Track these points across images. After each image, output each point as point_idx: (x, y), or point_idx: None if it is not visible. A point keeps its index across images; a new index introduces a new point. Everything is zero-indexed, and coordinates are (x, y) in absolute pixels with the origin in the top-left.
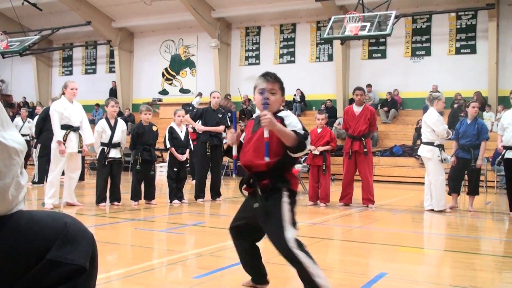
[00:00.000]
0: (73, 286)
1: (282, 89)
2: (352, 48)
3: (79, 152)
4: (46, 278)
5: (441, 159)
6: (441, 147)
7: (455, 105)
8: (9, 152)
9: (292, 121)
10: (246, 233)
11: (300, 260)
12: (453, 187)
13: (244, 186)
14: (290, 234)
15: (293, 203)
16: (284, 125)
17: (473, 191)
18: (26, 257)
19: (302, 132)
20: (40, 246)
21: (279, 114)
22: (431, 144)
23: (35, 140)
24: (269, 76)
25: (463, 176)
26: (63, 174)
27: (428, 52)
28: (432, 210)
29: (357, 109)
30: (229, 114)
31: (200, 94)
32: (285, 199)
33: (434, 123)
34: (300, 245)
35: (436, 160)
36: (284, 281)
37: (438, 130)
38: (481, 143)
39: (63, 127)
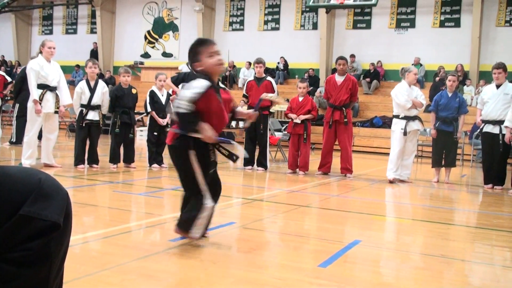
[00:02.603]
0: (46, 242)
1: None
2: (337, 17)
3: (56, 112)
4: (18, 233)
5: (404, 131)
6: (408, 119)
7: (437, 78)
8: None
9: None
10: None
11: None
12: (437, 161)
13: None
14: None
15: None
16: None
17: (450, 163)
18: None
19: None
20: (13, 201)
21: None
22: (397, 117)
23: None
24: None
25: (444, 149)
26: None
27: (412, 24)
28: (402, 181)
29: (339, 79)
30: None
31: (187, 64)
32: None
33: (396, 94)
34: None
35: (397, 132)
36: (261, 245)
37: (398, 101)
38: (460, 116)
39: (40, 86)
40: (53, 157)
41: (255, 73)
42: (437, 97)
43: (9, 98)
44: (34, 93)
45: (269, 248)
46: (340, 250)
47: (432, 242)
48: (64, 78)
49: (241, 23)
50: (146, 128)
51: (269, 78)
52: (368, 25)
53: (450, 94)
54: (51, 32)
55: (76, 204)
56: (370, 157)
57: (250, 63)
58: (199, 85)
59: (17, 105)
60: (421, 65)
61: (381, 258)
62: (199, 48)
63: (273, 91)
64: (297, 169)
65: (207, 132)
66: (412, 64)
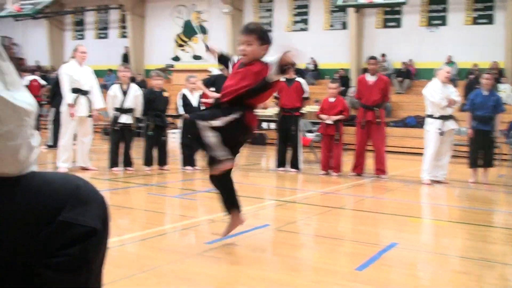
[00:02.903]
0: (84, 248)
1: (261, 38)
2: (367, 16)
3: (89, 116)
4: (57, 239)
5: (441, 131)
6: (443, 118)
7: (471, 76)
8: (20, 113)
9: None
10: None
11: None
12: (474, 161)
13: None
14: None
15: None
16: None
17: (488, 163)
18: (37, 218)
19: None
20: (52, 207)
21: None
22: (431, 116)
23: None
24: (244, 29)
25: (481, 149)
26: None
27: (444, 22)
28: (438, 181)
29: (370, 79)
30: None
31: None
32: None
33: (430, 93)
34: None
35: (433, 132)
36: (295, 248)
37: (433, 99)
38: (496, 115)
39: (73, 90)
40: (88, 160)
41: None
42: (473, 96)
43: (45, 102)
44: (68, 97)
45: (304, 250)
46: (376, 253)
47: (471, 245)
48: (97, 82)
49: (270, 24)
50: (178, 130)
51: (299, 79)
52: (398, 24)
53: (485, 93)
54: (83, 37)
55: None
56: (403, 158)
57: None
58: None
59: (52, 109)
60: (453, 63)
61: (418, 261)
62: None
63: (303, 92)
64: (330, 170)
65: None
66: (445, 63)
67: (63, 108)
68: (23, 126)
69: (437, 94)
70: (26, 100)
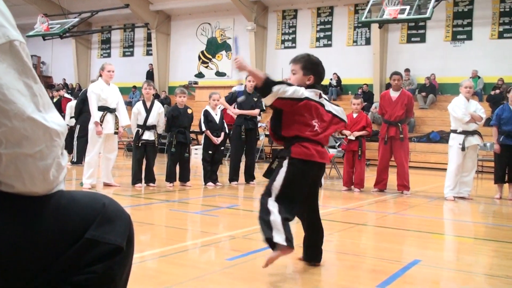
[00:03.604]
0: (110, 266)
1: (306, 68)
2: (391, 31)
3: (115, 133)
4: (83, 257)
5: (463, 147)
6: (467, 133)
7: (497, 91)
8: (50, 134)
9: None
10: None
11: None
12: (500, 177)
13: None
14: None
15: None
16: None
17: None
18: (65, 236)
19: (276, 80)
20: (79, 225)
21: None
22: (455, 131)
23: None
24: (292, 59)
25: (508, 164)
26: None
27: (469, 36)
28: (462, 197)
29: (394, 94)
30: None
31: (240, 83)
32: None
33: (453, 108)
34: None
35: (455, 148)
36: (315, 265)
37: (455, 115)
38: None
39: (100, 108)
40: (112, 176)
41: None
42: (499, 111)
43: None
44: (95, 115)
45: (326, 267)
46: (399, 270)
47: (496, 262)
48: (122, 100)
49: (293, 40)
50: (201, 147)
51: (323, 95)
52: (422, 39)
53: None
54: (109, 55)
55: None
56: (427, 173)
57: None
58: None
59: (78, 126)
60: (479, 77)
61: (442, 278)
62: None
63: None
64: (352, 186)
65: None
66: (470, 77)
67: (91, 126)
68: (54, 147)
69: (460, 110)
70: (56, 121)
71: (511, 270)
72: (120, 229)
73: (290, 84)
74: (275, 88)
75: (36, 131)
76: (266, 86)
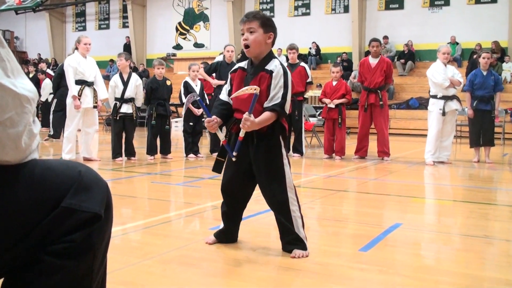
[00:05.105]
0: (88, 234)
1: (265, 25)
2: None
3: (94, 107)
4: (61, 226)
5: (443, 111)
6: (446, 98)
7: (475, 56)
8: (20, 100)
9: (277, 86)
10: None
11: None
12: (475, 141)
13: (234, 127)
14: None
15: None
16: (270, 82)
17: (489, 142)
18: (41, 205)
19: (279, 101)
20: (55, 194)
21: (269, 67)
22: (434, 97)
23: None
24: (245, 17)
25: (481, 128)
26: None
27: (447, 2)
28: (442, 162)
29: (373, 61)
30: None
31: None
32: (283, 150)
33: (432, 74)
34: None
35: (435, 113)
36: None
37: (435, 80)
38: (496, 94)
39: (78, 82)
40: (92, 151)
41: (287, 60)
42: (471, 77)
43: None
44: (73, 89)
45: (308, 233)
46: (380, 233)
47: (474, 223)
48: (100, 73)
49: (271, 9)
50: (181, 119)
51: (302, 64)
52: (401, 5)
53: (484, 72)
54: (84, 29)
55: (115, 196)
56: (407, 140)
57: (281, 50)
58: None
59: (55, 100)
60: (457, 43)
61: (422, 240)
62: None
63: (307, 77)
64: (333, 154)
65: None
66: (448, 43)
67: (69, 100)
68: (24, 113)
69: (439, 75)
70: (26, 87)
71: (488, 230)
72: (97, 196)
73: (285, 88)
74: (286, 106)
75: (5, 97)
76: (279, 117)
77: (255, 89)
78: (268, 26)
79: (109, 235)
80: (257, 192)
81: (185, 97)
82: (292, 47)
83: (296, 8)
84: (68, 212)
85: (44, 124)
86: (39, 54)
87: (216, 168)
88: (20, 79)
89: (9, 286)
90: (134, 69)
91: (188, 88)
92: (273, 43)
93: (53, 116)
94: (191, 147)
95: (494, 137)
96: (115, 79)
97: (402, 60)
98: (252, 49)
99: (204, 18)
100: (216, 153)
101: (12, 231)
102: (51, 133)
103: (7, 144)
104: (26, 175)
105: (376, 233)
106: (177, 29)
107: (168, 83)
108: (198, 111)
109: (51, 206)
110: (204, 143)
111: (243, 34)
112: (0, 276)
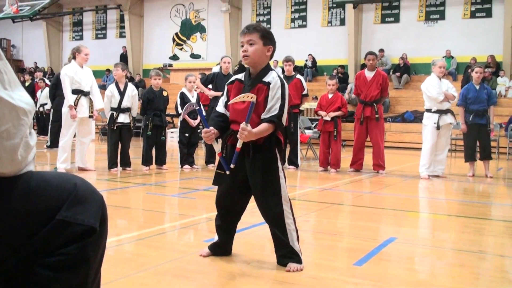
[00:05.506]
0: (83, 246)
1: (265, 38)
2: (365, 12)
3: (90, 117)
4: (56, 238)
5: (437, 126)
6: (441, 112)
7: (469, 70)
8: (17, 112)
9: (274, 97)
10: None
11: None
12: (471, 155)
13: (230, 139)
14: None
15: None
16: (267, 94)
17: (487, 156)
18: (36, 217)
19: (277, 112)
20: (50, 206)
21: (266, 79)
22: (429, 110)
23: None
24: (246, 28)
25: (478, 142)
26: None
27: (442, 16)
28: (436, 176)
29: (369, 74)
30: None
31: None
32: (279, 163)
33: (427, 87)
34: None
35: (430, 127)
36: None
37: (430, 94)
38: (490, 108)
39: (74, 91)
40: (87, 161)
41: (283, 72)
42: (464, 91)
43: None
44: (69, 98)
45: (303, 247)
46: (375, 248)
47: (469, 238)
48: (96, 83)
49: (268, 21)
50: (177, 130)
51: (298, 76)
52: (396, 19)
53: (477, 87)
54: (81, 38)
55: (110, 206)
56: (402, 153)
57: (277, 62)
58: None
59: (52, 110)
60: (452, 57)
61: (416, 255)
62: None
63: (303, 89)
64: (329, 167)
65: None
66: (444, 57)
67: (64, 110)
68: (21, 126)
69: (434, 89)
70: (23, 99)
71: (483, 245)
72: (92, 209)
73: (283, 100)
74: (283, 118)
75: (2, 109)
76: (278, 125)
77: (252, 97)
78: (268, 39)
79: (103, 248)
80: (251, 205)
81: (181, 109)
82: (288, 60)
83: (292, 20)
84: (63, 225)
85: (41, 132)
86: (36, 62)
87: (217, 181)
88: (17, 91)
89: None
90: (131, 79)
91: (184, 99)
92: (271, 56)
93: (51, 126)
94: (187, 158)
95: (491, 151)
96: (111, 88)
97: (398, 73)
98: (250, 59)
99: (201, 29)
100: (212, 165)
101: (7, 242)
102: (49, 144)
103: (3, 156)
104: (21, 187)
105: (370, 247)
106: (174, 40)
107: (164, 93)
108: (194, 122)
109: (46, 218)
110: (200, 154)
111: (242, 46)
112: None
